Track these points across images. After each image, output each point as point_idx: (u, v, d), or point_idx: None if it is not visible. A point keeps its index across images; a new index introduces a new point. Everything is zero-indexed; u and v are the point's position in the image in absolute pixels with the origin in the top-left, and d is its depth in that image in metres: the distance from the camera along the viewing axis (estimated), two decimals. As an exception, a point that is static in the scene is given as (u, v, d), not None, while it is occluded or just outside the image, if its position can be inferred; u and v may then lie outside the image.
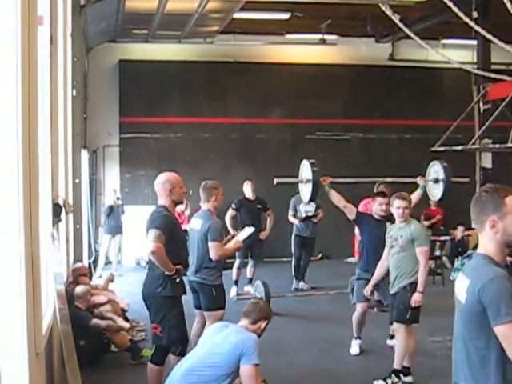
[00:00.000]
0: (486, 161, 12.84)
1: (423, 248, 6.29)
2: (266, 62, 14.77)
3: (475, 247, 2.90)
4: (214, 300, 6.49)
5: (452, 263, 12.75)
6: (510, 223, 2.71)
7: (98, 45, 14.25)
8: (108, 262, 12.88)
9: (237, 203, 10.40)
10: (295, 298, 10.49)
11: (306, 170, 7.41)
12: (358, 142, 15.33)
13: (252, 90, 14.73)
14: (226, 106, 14.88)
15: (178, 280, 5.42)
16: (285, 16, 13.05)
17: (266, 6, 11.97)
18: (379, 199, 7.19)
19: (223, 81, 14.73)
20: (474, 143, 11.96)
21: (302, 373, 6.76)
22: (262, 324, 4.71)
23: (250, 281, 10.47)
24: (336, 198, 7.25)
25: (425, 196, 7.93)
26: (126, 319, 7.83)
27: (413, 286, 6.25)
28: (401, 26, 11.35)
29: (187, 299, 6.05)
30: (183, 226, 7.77)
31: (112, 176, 14.59)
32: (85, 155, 12.06)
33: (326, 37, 14.60)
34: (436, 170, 7.85)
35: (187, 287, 5.89)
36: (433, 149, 11.82)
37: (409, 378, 6.38)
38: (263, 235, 10.44)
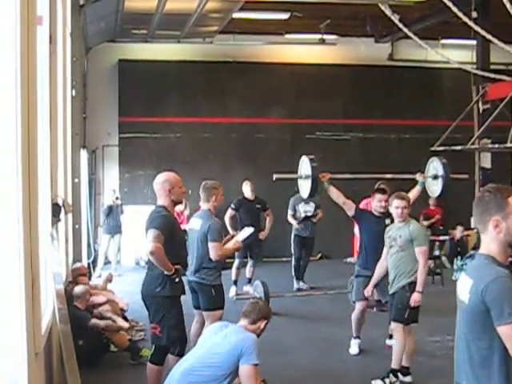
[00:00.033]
0: (486, 161, 12.85)
1: (422, 248, 6.28)
2: (266, 62, 14.77)
3: (475, 247, 2.90)
4: (213, 300, 6.49)
5: (451, 263, 12.72)
6: None
7: (98, 44, 14.24)
8: (107, 262, 12.87)
9: (236, 203, 10.40)
10: (294, 297, 10.47)
11: (305, 165, 7.35)
12: (357, 141, 15.33)
13: (251, 90, 14.73)
14: (225, 105, 14.88)
15: (177, 280, 5.41)
16: (284, 16, 13.05)
17: (266, 5, 11.97)
18: (378, 196, 7.17)
19: (223, 81, 14.73)
20: (473, 143, 11.96)
21: (302, 373, 6.76)
22: (262, 324, 4.72)
23: (250, 281, 10.47)
24: (335, 195, 7.22)
25: (424, 196, 7.92)
26: (126, 319, 7.82)
27: (412, 285, 6.25)
28: (400, 25, 11.36)
29: (186, 299, 6.04)
30: (182, 226, 7.76)
31: (111, 176, 14.59)
32: (84, 155, 12.06)
33: (326, 37, 14.59)
34: (435, 166, 7.84)
35: (186, 287, 5.89)
36: (432, 149, 11.81)
37: (408, 378, 6.38)
38: (262, 235, 10.43)
